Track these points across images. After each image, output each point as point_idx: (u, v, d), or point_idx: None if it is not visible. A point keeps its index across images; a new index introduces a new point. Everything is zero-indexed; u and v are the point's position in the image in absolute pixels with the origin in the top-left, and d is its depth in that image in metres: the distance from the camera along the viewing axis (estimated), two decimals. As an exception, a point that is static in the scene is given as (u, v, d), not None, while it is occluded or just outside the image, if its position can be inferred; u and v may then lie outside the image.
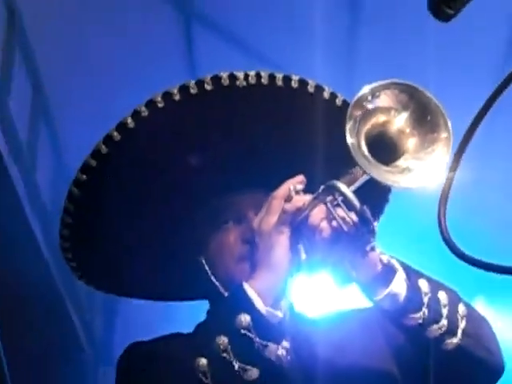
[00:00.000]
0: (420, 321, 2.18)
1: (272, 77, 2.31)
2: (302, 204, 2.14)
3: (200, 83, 2.26)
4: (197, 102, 2.31)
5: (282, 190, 2.16)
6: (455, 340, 2.21)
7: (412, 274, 2.19)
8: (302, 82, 2.33)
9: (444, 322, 2.22)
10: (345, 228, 2.09)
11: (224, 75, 2.28)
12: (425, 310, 2.20)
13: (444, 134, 2.03)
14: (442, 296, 2.22)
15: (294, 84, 2.32)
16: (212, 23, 6.16)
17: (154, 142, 2.38)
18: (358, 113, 1.98)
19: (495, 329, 2.39)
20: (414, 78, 2.14)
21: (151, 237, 2.53)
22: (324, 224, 2.12)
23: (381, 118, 2.04)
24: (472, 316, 2.27)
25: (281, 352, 2.13)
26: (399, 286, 2.17)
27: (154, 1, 5.79)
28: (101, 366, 8.15)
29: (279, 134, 2.44)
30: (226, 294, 2.35)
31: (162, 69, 5.87)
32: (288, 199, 2.14)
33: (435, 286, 2.23)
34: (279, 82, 2.31)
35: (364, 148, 1.97)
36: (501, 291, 8.34)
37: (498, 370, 2.31)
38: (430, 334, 2.19)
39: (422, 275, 2.23)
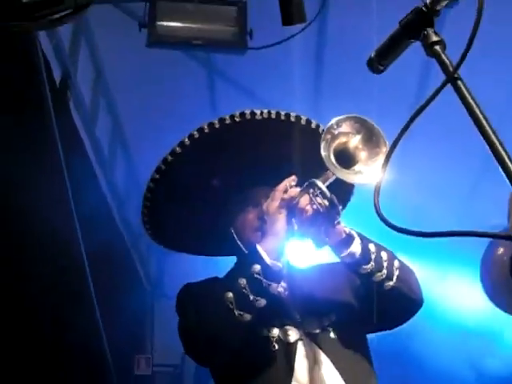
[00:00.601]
0: (369, 270, 2.35)
1: (270, 113, 2.44)
2: (294, 194, 2.30)
3: (222, 119, 2.43)
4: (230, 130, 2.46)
5: (282, 185, 2.33)
6: (391, 283, 2.37)
7: (364, 240, 2.39)
8: (290, 116, 2.47)
9: (384, 271, 2.36)
10: (321, 209, 2.27)
11: (237, 113, 2.42)
12: (372, 263, 2.35)
13: (383, 149, 2.20)
14: (384, 254, 2.39)
15: (292, 118, 2.46)
16: (232, 79, 5.54)
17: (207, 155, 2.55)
18: (328, 136, 2.19)
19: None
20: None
21: (201, 214, 2.69)
22: (308, 207, 2.30)
23: (343, 139, 2.25)
24: (403, 268, 2.45)
25: (280, 289, 2.33)
26: (356, 247, 2.34)
27: (182, 58, 5.43)
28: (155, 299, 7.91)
29: (279, 151, 2.54)
30: (246, 251, 2.47)
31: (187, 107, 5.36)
32: (285, 191, 2.30)
33: (379, 248, 2.41)
34: (282, 117, 2.45)
35: (332, 158, 2.19)
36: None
37: (418, 304, 2.49)
38: (375, 279, 2.36)
39: (371, 241, 2.41)
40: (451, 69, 1.36)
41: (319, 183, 2.25)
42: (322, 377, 2.28)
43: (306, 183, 2.31)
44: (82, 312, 4.14)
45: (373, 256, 2.35)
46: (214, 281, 2.51)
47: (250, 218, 2.54)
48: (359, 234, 2.39)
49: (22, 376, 3.35)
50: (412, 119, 1.39)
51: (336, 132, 2.19)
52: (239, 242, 2.55)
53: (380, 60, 1.60)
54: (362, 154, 2.24)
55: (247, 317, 2.19)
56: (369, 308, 2.44)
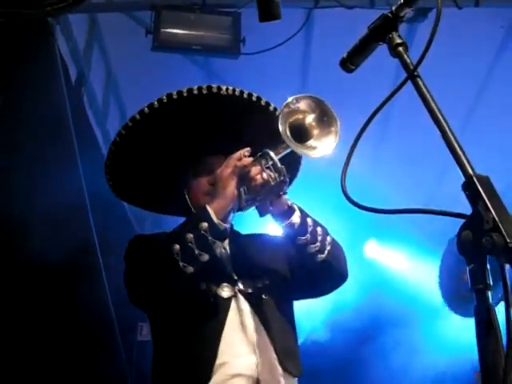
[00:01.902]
0: (305, 241, 2.31)
1: (234, 90, 2.35)
2: (247, 163, 2.22)
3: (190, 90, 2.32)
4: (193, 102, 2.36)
5: (237, 154, 2.24)
6: (323, 256, 2.35)
7: (304, 214, 2.36)
8: (251, 95, 2.40)
9: (318, 244, 2.33)
10: (270, 180, 2.19)
11: (205, 86, 2.33)
12: (308, 235, 2.31)
13: (334, 128, 2.14)
14: (319, 229, 2.36)
15: (253, 98, 2.40)
16: (226, 81, 5.51)
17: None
18: (286, 111, 2.07)
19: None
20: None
21: (159, 175, 2.61)
22: (258, 176, 2.23)
23: (299, 116, 2.14)
24: (334, 244, 2.42)
25: (222, 249, 2.37)
26: (296, 219, 2.31)
27: (183, 61, 5.46)
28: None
29: (238, 124, 2.46)
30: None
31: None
32: (239, 159, 2.21)
33: (316, 223, 2.39)
34: (245, 96, 2.39)
35: (288, 132, 2.07)
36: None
37: (344, 278, 2.49)
38: (309, 250, 2.33)
39: (309, 216, 2.36)
40: (411, 67, 1.37)
41: (272, 154, 2.18)
42: (251, 332, 2.26)
43: (259, 153, 2.23)
44: (92, 283, 4.12)
45: (309, 229, 2.32)
46: (161, 234, 2.44)
47: (203, 183, 2.47)
48: (299, 208, 2.35)
49: (33, 342, 3.35)
50: (374, 113, 1.41)
51: (293, 107, 2.09)
52: (190, 203, 2.50)
53: (351, 60, 1.62)
54: (315, 131, 2.15)
55: (190, 269, 2.13)
56: (299, 277, 2.46)
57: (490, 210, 1.10)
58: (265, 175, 2.22)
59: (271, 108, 2.44)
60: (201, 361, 2.20)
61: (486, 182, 1.15)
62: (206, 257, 2.13)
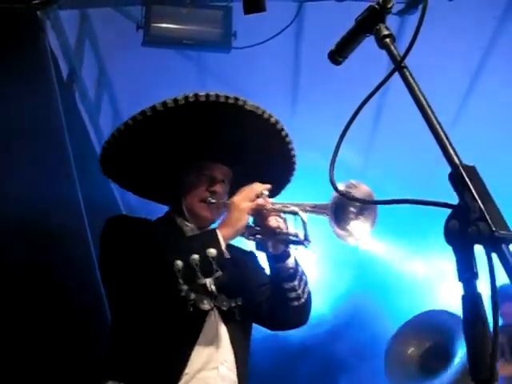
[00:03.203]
0: (289, 287, 2.40)
1: (237, 99, 2.34)
2: (267, 206, 2.24)
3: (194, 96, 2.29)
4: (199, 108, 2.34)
5: (258, 189, 2.24)
6: (297, 303, 2.44)
7: (297, 262, 2.42)
8: (264, 112, 2.41)
9: (299, 292, 2.42)
10: (286, 231, 2.25)
11: (213, 94, 2.31)
12: (296, 283, 2.40)
13: (371, 220, 2.08)
14: (304, 278, 2.46)
15: (265, 115, 2.42)
16: (219, 75, 5.51)
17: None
18: (343, 190, 1.91)
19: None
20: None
21: (159, 169, 2.60)
22: (273, 220, 2.27)
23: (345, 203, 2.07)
24: (309, 294, 2.48)
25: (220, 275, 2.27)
26: (290, 264, 2.38)
27: (175, 56, 5.45)
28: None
29: (243, 136, 2.48)
30: (187, 215, 2.48)
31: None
32: (259, 196, 2.22)
33: (303, 273, 2.47)
34: (248, 108, 2.37)
35: (333, 210, 2.03)
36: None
37: (303, 323, 2.58)
38: (289, 295, 2.42)
39: (300, 265, 2.44)
40: (399, 59, 1.38)
41: (303, 215, 2.14)
42: (220, 349, 2.29)
43: (287, 208, 2.21)
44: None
45: (298, 277, 2.40)
46: (148, 224, 2.47)
47: (201, 187, 2.46)
48: (295, 258, 2.41)
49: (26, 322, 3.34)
50: (362, 104, 1.41)
51: (348, 191, 1.92)
52: (184, 207, 2.48)
53: (339, 53, 1.62)
54: (351, 216, 2.04)
55: (184, 287, 2.14)
56: (268, 310, 2.51)
57: (476, 200, 1.10)
58: (281, 223, 2.27)
59: (260, 111, 2.40)
60: (170, 368, 2.20)
61: (472, 172, 1.15)
62: (203, 281, 2.13)
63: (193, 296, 2.26)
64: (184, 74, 5.50)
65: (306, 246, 2.17)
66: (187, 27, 4.63)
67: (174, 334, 2.24)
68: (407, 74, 1.36)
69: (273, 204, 2.26)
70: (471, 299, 1.12)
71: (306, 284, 2.45)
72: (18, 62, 3.78)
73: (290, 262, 2.36)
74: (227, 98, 2.30)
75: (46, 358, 3.35)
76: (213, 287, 2.27)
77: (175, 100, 2.27)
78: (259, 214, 2.25)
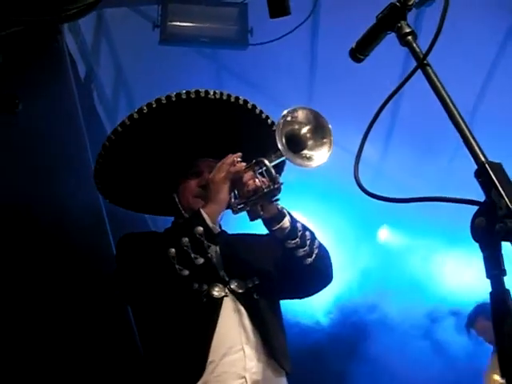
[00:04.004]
0: (294, 245, 2.36)
1: (222, 94, 2.38)
2: (240, 168, 2.27)
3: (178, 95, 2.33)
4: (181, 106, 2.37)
5: (230, 159, 2.28)
6: (310, 260, 2.40)
7: (293, 219, 2.40)
8: (244, 101, 2.43)
9: (307, 248, 2.39)
10: (263, 186, 2.24)
11: (193, 91, 2.33)
12: (298, 239, 2.36)
13: (328, 139, 2.18)
14: (307, 234, 2.42)
15: (240, 101, 2.42)
16: (236, 72, 5.51)
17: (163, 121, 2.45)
18: (283, 120, 2.11)
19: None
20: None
21: (147, 178, 2.62)
22: (251, 182, 2.28)
23: (295, 126, 2.18)
24: (321, 248, 2.47)
25: (216, 250, 2.39)
26: (286, 223, 2.35)
27: (191, 54, 5.52)
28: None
29: (227, 129, 2.51)
30: (186, 215, 2.48)
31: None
32: (232, 164, 2.26)
33: (305, 227, 2.43)
34: (232, 99, 2.40)
35: (284, 142, 2.11)
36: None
37: (329, 281, 2.54)
38: (298, 253, 2.38)
39: (299, 222, 2.42)
40: (421, 56, 1.38)
41: (266, 162, 2.21)
42: (242, 331, 2.29)
43: (253, 160, 2.27)
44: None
45: (299, 233, 2.36)
46: (154, 235, 2.47)
47: (192, 186, 2.50)
48: (289, 213, 2.39)
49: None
50: (386, 102, 1.43)
51: (290, 118, 2.13)
52: (180, 206, 2.52)
53: (360, 50, 1.62)
54: (309, 142, 2.18)
55: (185, 272, 2.16)
56: (286, 278, 2.49)
57: (503, 197, 1.11)
58: (257, 181, 2.26)
59: (257, 111, 2.47)
60: (192, 359, 2.22)
61: (498, 169, 1.15)
62: (201, 260, 2.18)
63: (205, 287, 2.30)
64: (200, 71, 5.56)
65: (280, 189, 2.21)
66: (203, 25, 4.69)
67: (192, 326, 2.26)
68: (430, 71, 1.36)
69: (247, 168, 2.30)
70: (499, 296, 1.12)
71: (312, 238, 2.43)
72: (37, 64, 3.81)
73: (286, 220, 2.34)
74: (207, 92, 2.34)
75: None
76: (224, 274, 2.35)
77: (158, 99, 2.33)
78: (237, 182, 2.29)
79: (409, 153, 6.47)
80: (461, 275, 7.06)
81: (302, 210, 5.39)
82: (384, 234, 8.13)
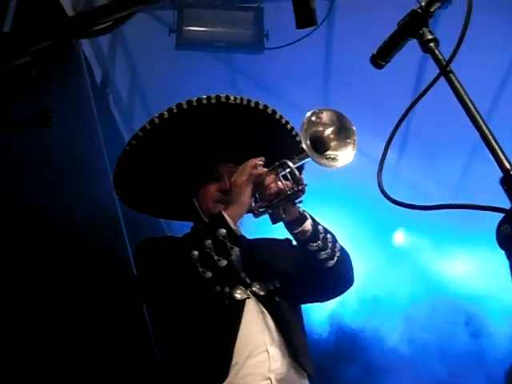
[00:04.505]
0: (316, 248, 2.38)
1: (242, 99, 2.39)
2: (262, 172, 2.28)
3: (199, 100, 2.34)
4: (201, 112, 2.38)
5: (252, 162, 2.28)
6: (332, 262, 2.41)
7: (315, 222, 2.41)
8: (265, 106, 2.43)
9: (328, 250, 2.40)
10: (286, 189, 2.25)
11: (213, 96, 2.33)
12: (319, 242, 2.38)
13: (351, 140, 2.18)
14: (329, 236, 2.44)
15: (260, 107, 2.42)
16: (251, 76, 5.53)
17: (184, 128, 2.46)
18: (307, 121, 2.11)
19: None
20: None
21: (167, 183, 2.63)
22: (273, 185, 2.29)
23: (319, 128, 2.18)
24: (343, 251, 2.49)
25: (237, 253, 2.38)
26: (308, 226, 2.36)
27: (206, 58, 5.49)
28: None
29: (247, 134, 2.51)
30: (206, 219, 2.49)
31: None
32: (254, 167, 2.26)
33: (326, 230, 2.45)
34: (253, 105, 2.41)
35: (309, 143, 2.11)
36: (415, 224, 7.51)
37: (350, 284, 2.54)
38: (319, 256, 2.39)
39: (320, 224, 2.43)
40: (444, 63, 1.38)
41: (290, 163, 2.21)
42: (265, 333, 2.29)
43: (277, 163, 2.26)
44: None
45: (321, 236, 2.37)
46: (174, 239, 2.47)
47: (211, 191, 2.51)
48: (311, 216, 2.40)
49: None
50: (409, 109, 1.42)
51: (315, 119, 2.13)
52: (200, 211, 2.53)
53: (381, 57, 1.62)
54: (333, 143, 2.17)
55: (208, 274, 2.16)
56: (308, 281, 2.48)
57: (528, 204, 1.11)
58: (280, 184, 2.27)
59: (277, 116, 2.47)
60: (217, 361, 2.21)
61: (523, 176, 1.16)
62: (224, 262, 2.18)
63: (227, 289, 2.30)
64: (216, 75, 5.58)
65: (304, 190, 2.22)
66: (219, 29, 4.71)
67: (214, 329, 2.26)
68: (453, 78, 1.36)
69: (269, 171, 2.30)
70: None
71: (334, 241, 2.44)
72: (54, 69, 3.83)
73: (308, 223, 2.35)
74: (228, 97, 2.34)
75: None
76: (246, 277, 2.36)
77: (179, 105, 2.34)
78: (258, 186, 2.29)
79: (424, 155, 6.46)
80: (477, 280, 7.05)
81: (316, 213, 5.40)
82: (399, 238, 8.14)
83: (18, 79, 1.07)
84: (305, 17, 1.20)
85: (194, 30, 4.65)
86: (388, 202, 1.34)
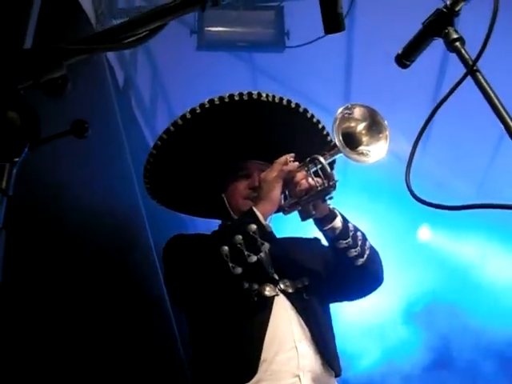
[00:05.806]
0: (345, 245, 2.38)
1: (274, 97, 2.39)
2: (293, 168, 2.29)
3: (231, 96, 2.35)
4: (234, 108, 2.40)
5: (282, 159, 2.31)
6: (362, 260, 2.42)
7: (345, 219, 2.43)
8: (296, 104, 2.45)
9: (358, 248, 2.40)
10: (317, 185, 2.26)
11: (245, 92, 2.35)
12: (350, 239, 2.38)
13: (383, 135, 2.20)
14: (359, 234, 2.44)
15: (292, 105, 2.43)
16: (272, 75, 5.54)
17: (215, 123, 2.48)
18: (340, 117, 2.14)
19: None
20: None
21: (197, 180, 2.66)
22: (303, 181, 2.30)
23: (351, 124, 2.20)
24: (373, 249, 2.49)
25: (266, 250, 2.31)
26: (337, 223, 2.38)
27: (227, 58, 5.48)
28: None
29: (276, 130, 2.50)
30: (235, 216, 2.51)
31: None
32: (285, 164, 2.28)
33: (356, 229, 2.46)
34: (285, 102, 2.41)
35: (341, 138, 2.14)
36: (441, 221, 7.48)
37: (380, 282, 2.54)
38: (349, 254, 2.40)
39: (350, 222, 2.44)
40: (470, 62, 1.38)
41: (321, 159, 2.22)
42: (294, 330, 2.30)
43: (308, 158, 2.28)
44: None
45: (351, 233, 2.37)
46: (203, 236, 2.50)
47: (241, 187, 2.53)
48: (341, 213, 2.41)
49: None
50: (436, 109, 1.44)
51: (347, 115, 2.15)
52: (228, 207, 2.54)
53: (406, 56, 1.63)
54: (365, 138, 2.20)
55: (238, 270, 2.18)
56: (337, 280, 2.49)
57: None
58: (310, 180, 2.28)
59: (308, 115, 2.48)
60: (246, 358, 2.23)
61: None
62: (254, 258, 2.20)
63: (256, 286, 2.32)
64: (237, 75, 5.56)
65: (335, 186, 2.22)
66: (240, 29, 4.70)
67: (243, 326, 2.28)
68: (480, 77, 1.36)
69: (300, 167, 2.32)
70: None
71: (364, 239, 2.44)
72: (76, 72, 3.86)
73: (338, 220, 2.36)
74: (260, 94, 2.36)
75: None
76: (274, 274, 2.38)
77: (211, 100, 2.35)
78: (289, 182, 2.31)
79: (447, 151, 6.42)
80: (505, 278, 7.00)
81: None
82: (424, 234, 8.10)
83: (53, 92, 1.08)
84: (333, 22, 1.21)
85: (215, 31, 4.67)
86: (427, 206, 1.35)
